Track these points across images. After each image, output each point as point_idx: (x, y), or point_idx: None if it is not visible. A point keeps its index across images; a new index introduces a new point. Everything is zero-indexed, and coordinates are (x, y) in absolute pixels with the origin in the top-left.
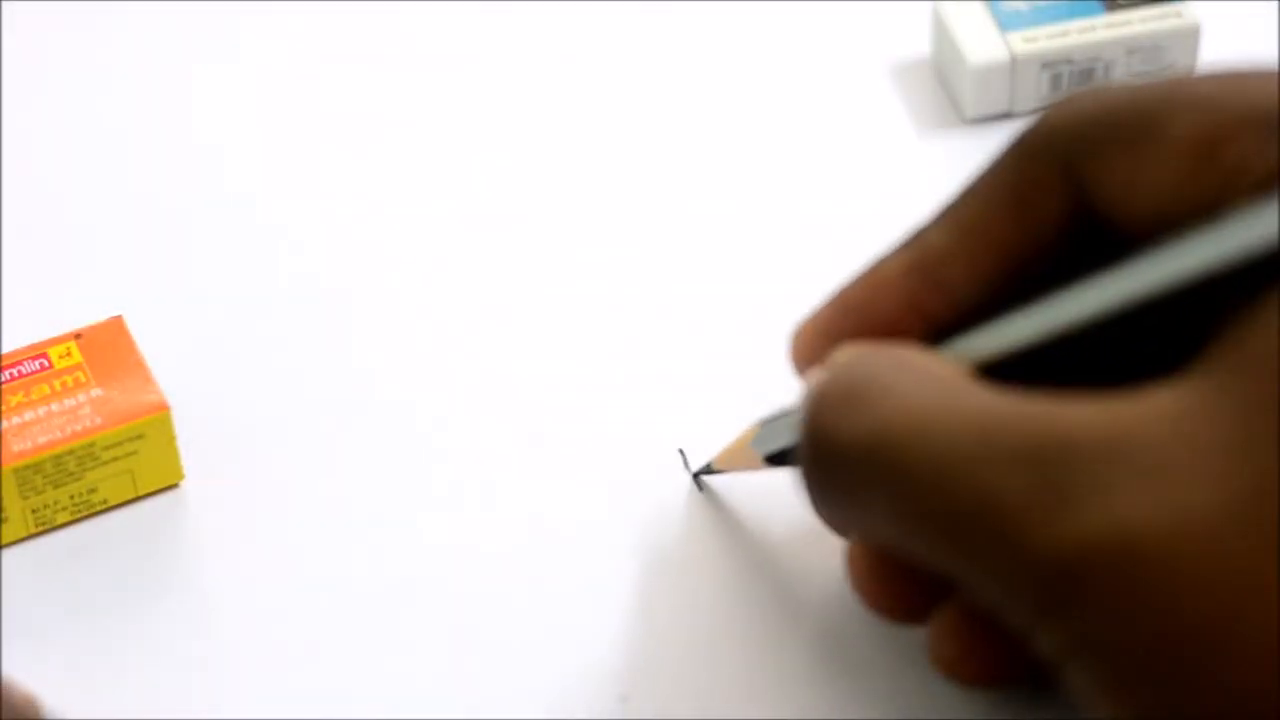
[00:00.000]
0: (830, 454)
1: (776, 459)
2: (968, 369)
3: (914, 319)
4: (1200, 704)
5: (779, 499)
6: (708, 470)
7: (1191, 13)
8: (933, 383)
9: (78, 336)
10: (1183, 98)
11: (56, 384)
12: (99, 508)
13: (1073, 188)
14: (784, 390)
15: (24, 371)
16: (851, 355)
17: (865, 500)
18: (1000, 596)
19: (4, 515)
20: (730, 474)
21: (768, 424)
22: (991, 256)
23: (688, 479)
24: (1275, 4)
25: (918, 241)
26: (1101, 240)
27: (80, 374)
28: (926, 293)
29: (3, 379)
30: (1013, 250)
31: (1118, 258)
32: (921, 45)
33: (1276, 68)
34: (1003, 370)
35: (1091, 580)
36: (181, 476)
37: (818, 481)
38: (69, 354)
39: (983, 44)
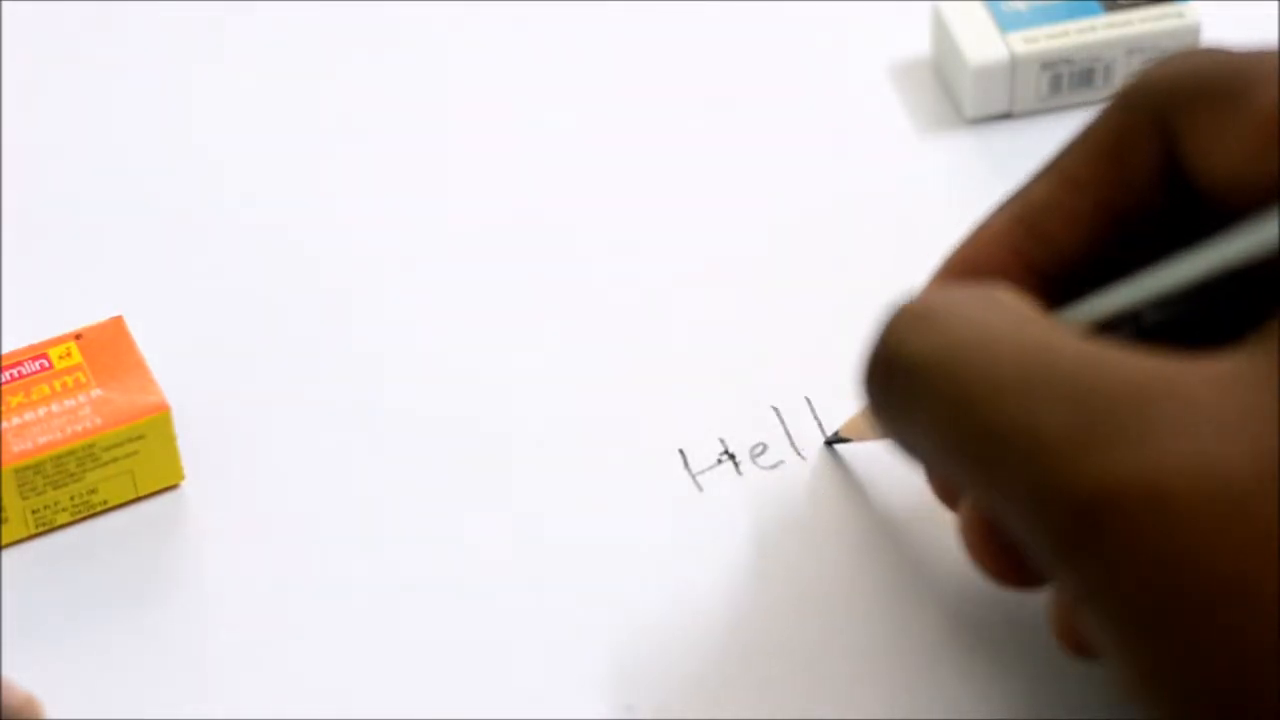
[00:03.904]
0: (890, 366)
1: None
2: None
3: (1019, 271)
4: (1206, 658)
5: (783, 501)
6: (837, 439)
7: (1191, 13)
8: (1005, 313)
9: (78, 337)
10: (1273, 68)
11: (56, 384)
12: (99, 508)
13: (1165, 144)
14: (785, 385)
15: (24, 372)
16: (939, 285)
17: (915, 416)
18: (1026, 530)
19: (4, 515)
20: (858, 443)
21: None
22: (1090, 207)
23: (690, 482)
24: (1275, 4)
25: (1021, 195)
26: (1194, 199)
27: (80, 374)
28: (1030, 244)
29: (3, 379)
30: (1110, 202)
31: (1204, 222)
32: (921, 45)
33: None
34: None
35: (1113, 521)
36: (181, 477)
37: (875, 393)
38: (69, 354)
39: (983, 44)
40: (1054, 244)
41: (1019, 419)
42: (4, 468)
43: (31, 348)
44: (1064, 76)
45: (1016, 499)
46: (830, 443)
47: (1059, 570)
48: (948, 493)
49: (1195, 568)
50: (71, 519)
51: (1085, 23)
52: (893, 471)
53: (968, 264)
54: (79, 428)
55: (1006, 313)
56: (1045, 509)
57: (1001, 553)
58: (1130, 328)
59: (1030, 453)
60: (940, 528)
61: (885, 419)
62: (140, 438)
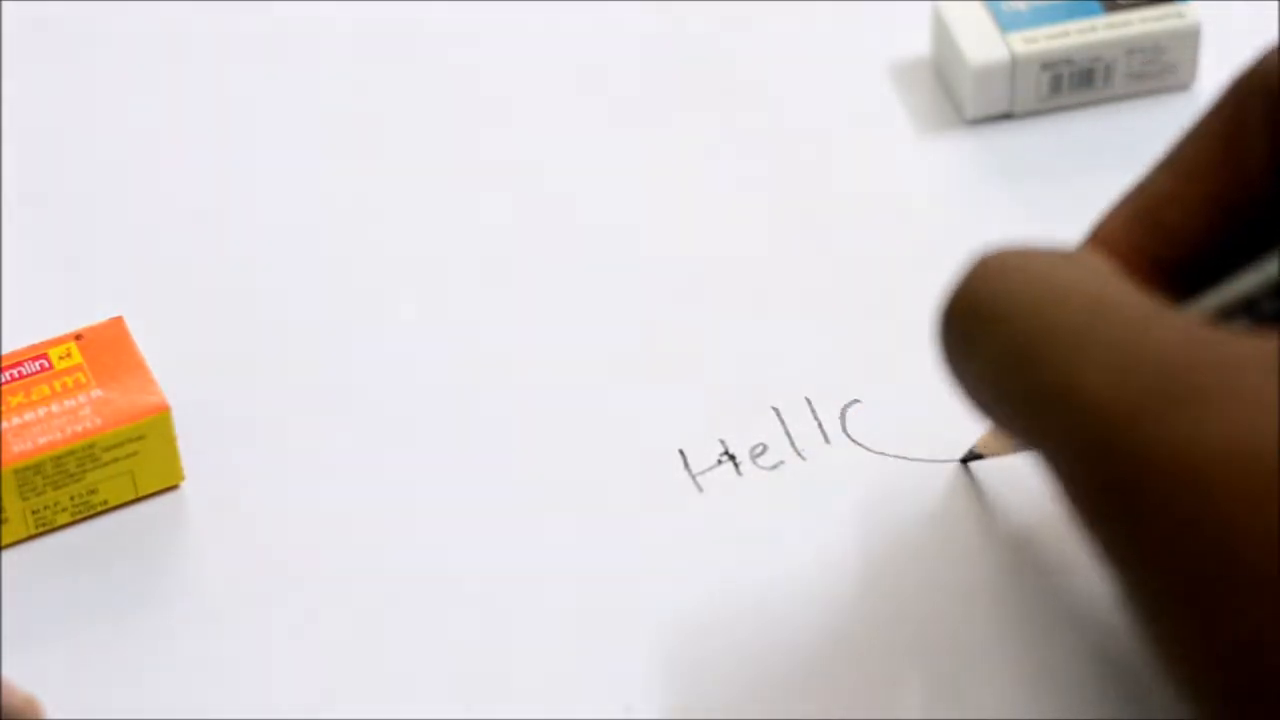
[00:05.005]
0: (961, 308)
1: None
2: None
3: (1143, 267)
4: (1228, 631)
5: (783, 502)
6: (973, 456)
7: (1191, 13)
8: (1082, 270)
9: (78, 337)
10: None
11: (57, 385)
12: (99, 509)
13: (1278, 130)
14: (785, 385)
15: (24, 372)
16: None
17: (977, 360)
18: (1065, 486)
19: (4, 516)
20: (992, 459)
21: None
22: (1207, 196)
23: (690, 482)
24: (1275, 4)
25: (1139, 189)
26: None
27: (80, 375)
28: (1150, 239)
29: (3, 379)
30: (1227, 190)
31: None
32: (921, 45)
33: None
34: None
35: (1149, 487)
36: (181, 477)
37: (944, 335)
38: (69, 355)
39: (983, 44)
40: (1174, 235)
41: (1071, 375)
42: (4, 468)
43: (31, 348)
44: (1064, 77)
45: (1060, 453)
46: (966, 460)
47: (1092, 530)
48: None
49: (1227, 542)
50: (71, 519)
51: (1085, 23)
52: (893, 472)
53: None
54: (79, 428)
55: (1084, 270)
56: (1085, 467)
57: None
58: (1247, 317)
59: (1077, 409)
60: (940, 528)
61: (950, 362)
62: (140, 438)
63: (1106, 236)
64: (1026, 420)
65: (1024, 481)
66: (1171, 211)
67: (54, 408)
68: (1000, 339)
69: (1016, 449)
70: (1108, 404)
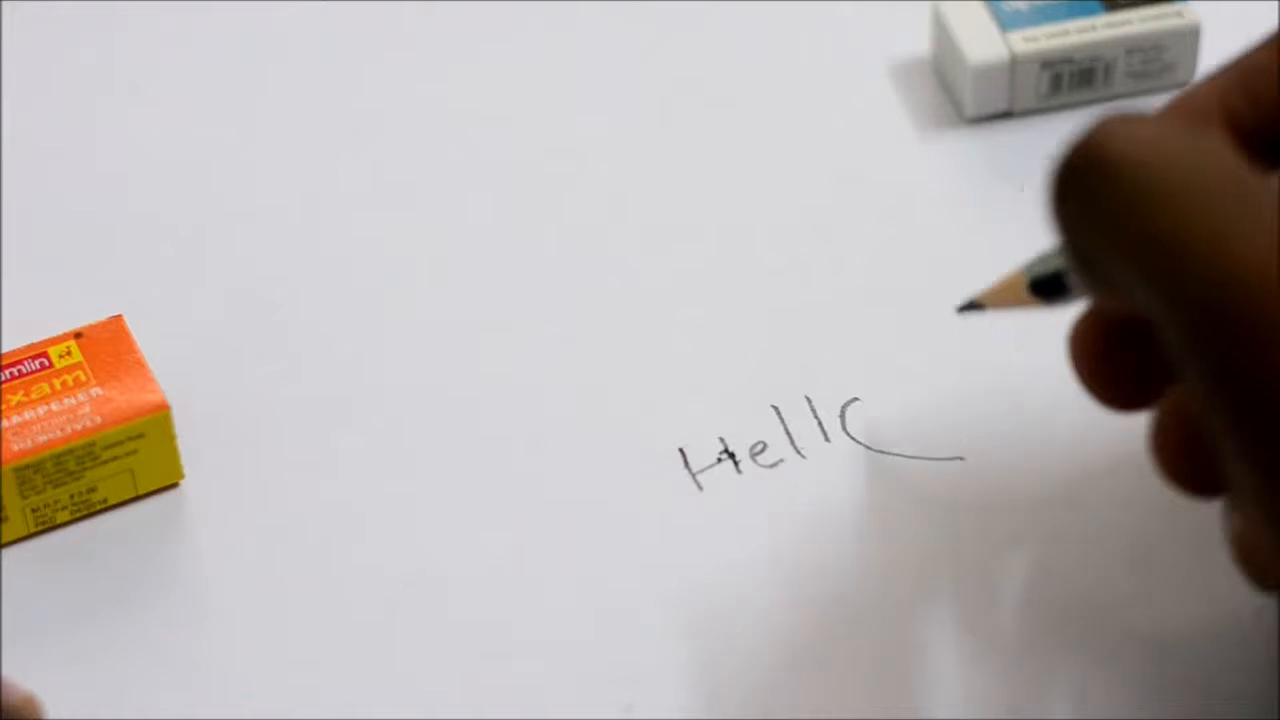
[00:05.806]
0: (1091, 159)
1: (1043, 289)
2: None
3: (1223, 124)
4: None
5: (782, 500)
6: (974, 306)
7: (1191, 13)
8: (1211, 137)
9: (78, 336)
10: None
11: (56, 383)
12: (99, 507)
13: None
14: (785, 385)
15: (24, 371)
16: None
17: (1105, 211)
18: (1185, 338)
19: (4, 514)
20: (995, 311)
21: (1042, 254)
22: None
23: (690, 481)
24: (1275, 4)
25: (1240, 62)
26: None
27: (80, 373)
28: (1240, 102)
29: (3, 378)
30: None
31: None
32: (921, 45)
33: None
34: None
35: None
36: (181, 476)
37: (1066, 185)
38: (69, 353)
39: (983, 44)
40: (1262, 106)
41: (1212, 232)
42: (4, 466)
43: (31, 346)
44: (1064, 76)
45: (1187, 303)
46: (964, 309)
47: (1210, 380)
48: (1129, 394)
49: None
50: (71, 518)
51: (1085, 22)
52: (893, 471)
53: (1179, 107)
54: (79, 426)
55: (1208, 137)
56: (1219, 318)
57: (1104, 368)
58: None
59: (1219, 260)
60: (939, 526)
61: (1067, 209)
62: (140, 436)
63: (1200, 101)
64: (1152, 268)
65: (1023, 482)
66: (1263, 82)
67: (54, 406)
68: (1134, 188)
69: (1020, 303)
70: (1250, 257)
